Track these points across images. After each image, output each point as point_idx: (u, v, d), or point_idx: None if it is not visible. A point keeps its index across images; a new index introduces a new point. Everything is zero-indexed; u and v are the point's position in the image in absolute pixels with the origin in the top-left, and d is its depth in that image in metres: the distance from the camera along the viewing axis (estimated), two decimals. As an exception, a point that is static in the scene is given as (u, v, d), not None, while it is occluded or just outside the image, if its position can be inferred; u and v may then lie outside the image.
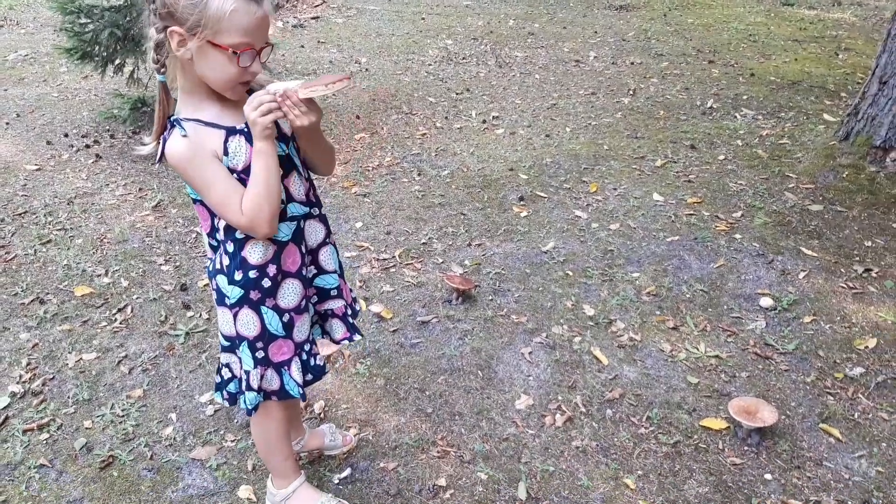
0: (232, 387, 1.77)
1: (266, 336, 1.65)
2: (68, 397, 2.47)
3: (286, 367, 1.70)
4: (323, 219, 1.75)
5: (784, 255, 3.35)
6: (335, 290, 1.81)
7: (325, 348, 2.55)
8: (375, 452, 2.26)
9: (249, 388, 1.70)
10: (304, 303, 1.70)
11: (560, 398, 2.48)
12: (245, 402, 1.71)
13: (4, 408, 2.41)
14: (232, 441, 2.28)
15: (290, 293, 1.66)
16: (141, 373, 2.59)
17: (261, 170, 1.47)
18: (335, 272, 1.79)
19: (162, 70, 1.49)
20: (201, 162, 1.47)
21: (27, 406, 2.42)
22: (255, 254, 1.58)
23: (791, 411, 2.44)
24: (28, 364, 2.62)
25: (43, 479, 2.14)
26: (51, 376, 2.56)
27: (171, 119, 1.49)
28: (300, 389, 1.73)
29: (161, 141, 1.49)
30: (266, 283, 1.60)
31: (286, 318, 1.66)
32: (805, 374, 2.61)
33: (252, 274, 1.59)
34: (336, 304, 1.82)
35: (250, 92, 1.54)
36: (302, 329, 1.71)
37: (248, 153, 1.50)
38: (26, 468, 2.17)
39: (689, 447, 2.28)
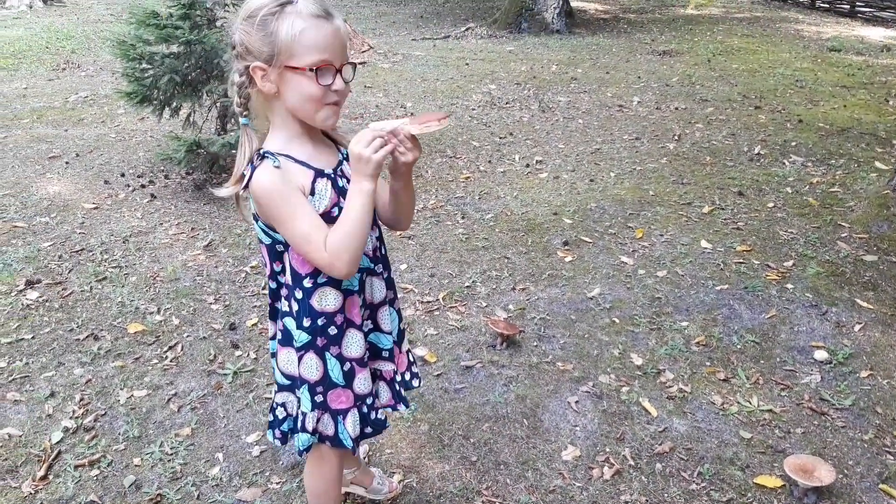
0: (285, 426, 1.76)
1: (327, 382, 1.65)
2: (119, 434, 2.51)
3: (342, 417, 1.69)
4: (388, 281, 1.73)
5: (838, 307, 3.27)
6: (387, 352, 1.77)
7: None
8: (419, 500, 2.23)
9: (304, 429, 1.69)
10: (366, 356, 1.68)
11: (608, 450, 2.43)
12: (298, 442, 1.71)
13: (57, 442, 2.46)
14: (277, 483, 2.29)
15: (354, 343, 1.64)
16: (189, 411, 2.63)
17: (359, 209, 1.44)
18: (390, 334, 1.76)
19: (245, 113, 1.50)
20: (290, 193, 1.44)
21: (79, 441, 2.47)
22: (324, 301, 1.57)
23: (849, 470, 2.35)
24: (81, 399, 2.67)
25: (92, 515, 2.17)
26: (103, 412, 2.61)
27: (261, 151, 1.47)
28: (352, 442, 1.71)
29: (249, 170, 1.45)
30: (333, 330, 1.60)
31: (347, 367, 1.65)
32: (863, 431, 2.52)
33: (320, 321, 1.58)
34: (385, 367, 1.78)
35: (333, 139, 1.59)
36: (363, 382, 1.69)
37: (331, 199, 1.50)
38: (77, 504, 2.21)
39: (744, 506, 2.21)
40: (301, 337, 1.61)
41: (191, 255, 3.79)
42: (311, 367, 1.64)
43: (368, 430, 1.74)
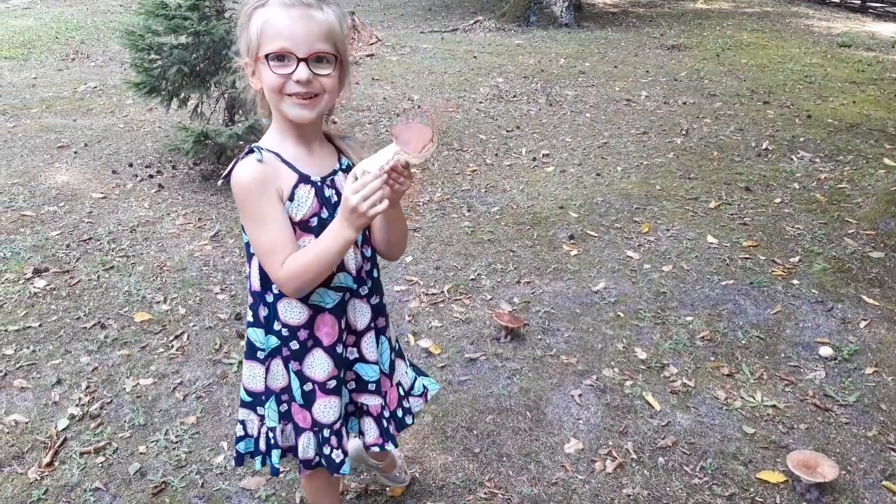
0: (241, 446, 1.69)
1: (290, 392, 1.58)
2: (124, 421, 2.53)
3: (298, 435, 1.61)
4: (376, 308, 1.61)
5: (844, 303, 3.25)
6: (373, 384, 1.63)
7: None
8: (422, 491, 2.24)
9: (277, 445, 1.63)
10: (331, 383, 1.56)
11: (611, 443, 2.43)
12: (273, 458, 1.64)
13: (63, 429, 2.48)
14: (281, 472, 2.30)
15: (318, 365, 1.53)
16: (195, 400, 2.64)
17: (332, 253, 1.36)
18: (376, 363, 1.62)
19: (265, 114, 1.48)
20: (265, 196, 1.37)
21: (85, 429, 2.49)
22: (288, 313, 1.49)
23: (852, 466, 2.34)
24: (87, 387, 2.69)
25: (97, 502, 2.19)
26: (108, 400, 2.63)
27: (251, 146, 1.41)
28: (301, 463, 1.63)
29: (233, 162, 1.40)
30: (294, 345, 1.51)
31: (308, 387, 1.55)
32: (867, 427, 2.52)
33: (284, 332, 1.51)
34: (372, 402, 1.65)
35: (327, 137, 1.52)
36: (326, 410, 1.57)
37: (312, 208, 1.42)
38: (82, 490, 2.22)
39: (745, 500, 2.21)
40: (269, 342, 1.55)
41: (197, 245, 3.81)
42: (277, 376, 1.57)
43: (322, 462, 1.62)
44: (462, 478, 2.29)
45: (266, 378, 1.58)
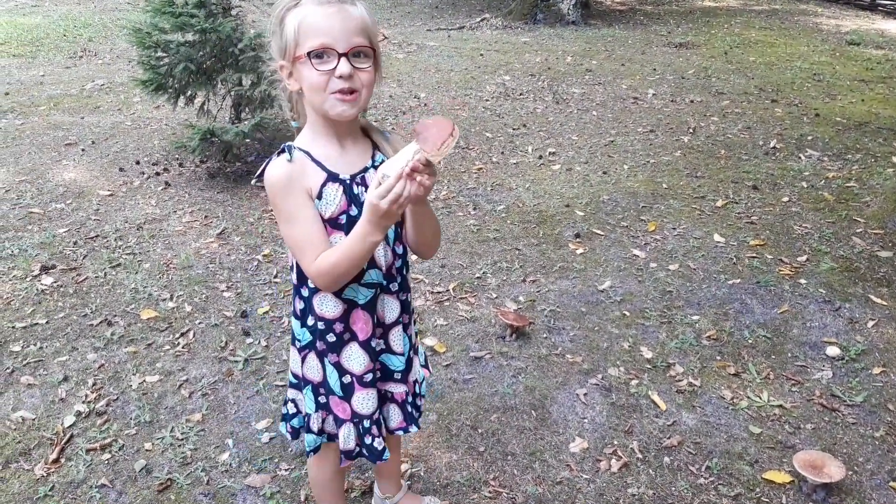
0: (296, 422, 1.76)
1: (327, 387, 1.63)
2: (131, 419, 2.54)
3: (339, 425, 1.66)
4: (404, 303, 1.64)
5: (852, 303, 3.24)
6: (399, 374, 1.69)
7: None
8: (426, 489, 2.24)
9: (310, 430, 1.69)
10: (368, 376, 1.61)
11: (616, 443, 2.43)
12: (307, 443, 1.71)
13: (70, 426, 2.49)
14: (286, 470, 2.31)
15: (356, 359, 1.58)
16: (200, 397, 2.65)
17: (358, 254, 1.39)
18: (402, 355, 1.67)
19: (294, 115, 1.50)
20: (294, 194, 1.41)
21: (91, 426, 2.50)
22: (324, 307, 1.53)
23: (859, 467, 2.33)
24: (94, 384, 2.70)
25: (103, 498, 2.20)
26: (115, 397, 2.64)
27: (284, 145, 1.44)
28: (342, 454, 1.68)
29: (266, 161, 1.45)
30: (331, 337, 1.56)
31: (347, 379, 1.60)
32: (874, 428, 2.50)
33: (320, 325, 1.55)
34: (398, 389, 1.70)
35: (364, 132, 1.52)
36: (364, 401, 1.63)
37: (340, 206, 1.45)
38: (88, 487, 2.23)
39: (751, 500, 2.20)
40: (304, 336, 1.60)
41: (204, 242, 3.81)
42: (312, 369, 1.63)
43: (363, 451, 1.68)
44: (467, 476, 2.29)
45: (302, 367, 1.65)
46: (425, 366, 1.86)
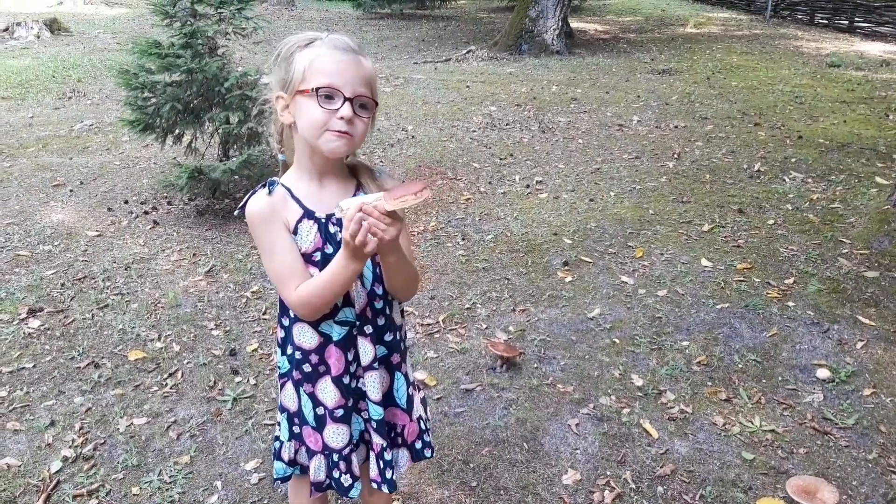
0: (275, 444, 1.76)
1: (301, 416, 1.63)
2: (118, 462, 2.50)
3: (310, 456, 1.66)
4: (389, 345, 1.61)
5: (840, 324, 3.25)
6: (375, 423, 1.63)
7: None
8: (419, 526, 2.22)
9: (280, 457, 1.69)
10: (338, 411, 1.59)
11: (609, 473, 2.41)
12: (275, 470, 1.71)
13: (56, 472, 2.45)
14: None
15: (328, 392, 1.58)
16: (189, 438, 2.62)
17: (339, 281, 1.42)
18: (378, 404, 1.61)
19: (282, 149, 1.55)
20: (272, 227, 1.46)
21: (78, 471, 2.46)
22: (302, 337, 1.56)
23: (853, 491, 2.32)
24: (81, 428, 2.67)
25: (90, 546, 2.16)
26: (102, 441, 2.61)
27: (269, 179, 1.50)
28: (311, 485, 1.65)
29: (249, 194, 1.49)
30: (307, 367, 1.57)
31: (320, 410, 1.60)
32: (867, 450, 2.50)
33: (297, 355, 1.57)
34: (375, 439, 1.64)
35: (353, 171, 1.54)
36: (335, 435, 1.61)
37: (315, 243, 1.48)
38: (75, 534, 2.20)
39: (746, 529, 2.18)
40: (284, 364, 1.62)
41: (192, 280, 3.81)
42: (289, 397, 1.64)
43: (331, 485, 1.66)
44: (459, 512, 2.26)
45: (280, 394, 1.66)
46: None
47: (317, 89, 1.39)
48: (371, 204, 1.32)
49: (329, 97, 1.39)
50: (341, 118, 1.39)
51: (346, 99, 1.39)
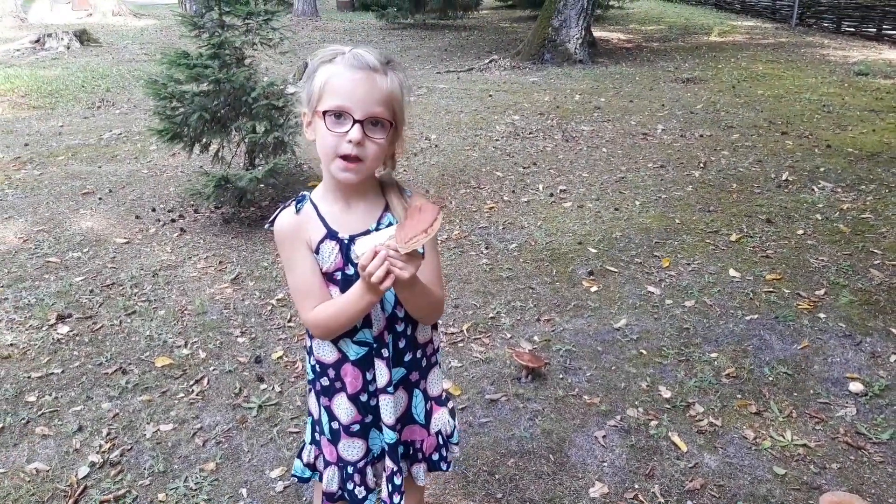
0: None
1: (320, 426, 1.65)
2: (144, 468, 2.52)
3: (324, 466, 1.66)
4: (409, 363, 1.59)
5: (873, 337, 3.18)
6: (387, 446, 1.61)
7: None
8: (444, 538, 2.20)
9: (300, 456, 1.72)
10: (354, 427, 1.59)
11: (637, 486, 2.37)
12: (294, 467, 1.75)
13: (84, 477, 2.47)
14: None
15: (343, 409, 1.58)
16: (214, 445, 2.63)
17: (354, 309, 1.42)
18: (391, 428, 1.58)
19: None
20: (294, 245, 1.47)
21: (105, 476, 2.48)
22: (321, 350, 1.56)
23: (890, 508, 2.26)
24: (108, 434, 2.69)
25: (117, 551, 2.17)
26: (129, 447, 2.63)
27: (301, 193, 1.51)
28: (323, 495, 1.65)
29: (279, 209, 1.51)
30: (325, 381, 1.58)
31: (335, 425, 1.61)
32: (903, 467, 2.43)
33: (317, 368, 1.59)
34: (387, 462, 1.62)
35: (382, 187, 1.53)
36: (350, 449, 1.61)
37: (336, 263, 1.48)
38: (102, 540, 2.21)
39: (779, 545, 2.13)
40: (310, 372, 1.64)
41: (218, 288, 3.83)
42: (313, 405, 1.66)
43: (345, 496, 1.65)
44: (484, 524, 2.24)
45: (308, 398, 1.68)
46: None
47: (324, 112, 1.37)
48: (384, 244, 1.31)
49: (338, 117, 1.37)
50: (349, 141, 1.36)
51: (355, 121, 1.36)
